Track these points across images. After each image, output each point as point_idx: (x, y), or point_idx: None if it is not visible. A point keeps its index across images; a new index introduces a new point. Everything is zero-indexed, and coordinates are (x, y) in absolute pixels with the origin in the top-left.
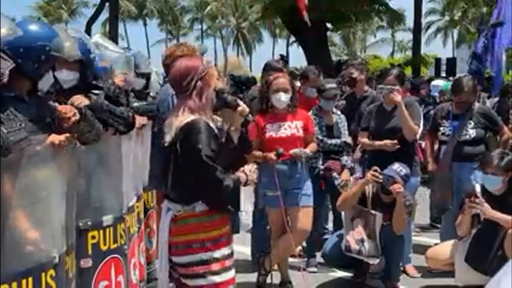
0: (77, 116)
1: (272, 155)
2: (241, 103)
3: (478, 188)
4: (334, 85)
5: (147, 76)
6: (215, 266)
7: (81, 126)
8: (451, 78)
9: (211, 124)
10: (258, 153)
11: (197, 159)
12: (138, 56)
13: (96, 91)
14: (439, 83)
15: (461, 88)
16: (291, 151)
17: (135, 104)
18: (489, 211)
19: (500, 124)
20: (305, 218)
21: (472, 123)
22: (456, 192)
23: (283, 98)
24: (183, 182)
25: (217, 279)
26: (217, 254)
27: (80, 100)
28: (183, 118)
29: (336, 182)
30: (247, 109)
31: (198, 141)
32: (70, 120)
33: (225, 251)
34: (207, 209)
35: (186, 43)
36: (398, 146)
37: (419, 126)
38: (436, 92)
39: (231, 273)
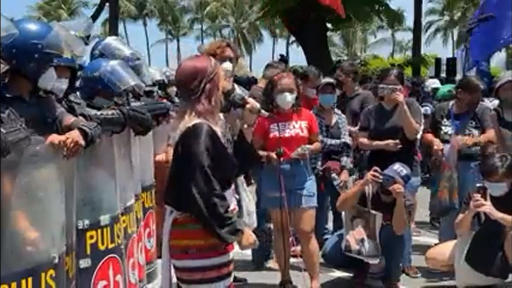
0: (82, 142)
1: (273, 154)
2: (250, 100)
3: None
4: (329, 80)
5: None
6: (210, 274)
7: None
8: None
9: (216, 129)
10: (261, 152)
11: (194, 166)
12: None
13: (78, 101)
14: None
15: (467, 88)
16: (293, 153)
17: (134, 104)
18: (494, 211)
19: (486, 125)
20: (307, 220)
21: (474, 123)
22: (460, 192)
23: (289, 98)
24: (179, 187)
25: (211, 286)
26: (214, 261)
27: (74, 137)
28: (189, 121)
29: (335, 183)
30: (257, 105)
31: (197, 148)
32: (79, 146)
33: (222, 258)
34: None
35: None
36: (400, 146)
37: (420, 125)
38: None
39: (228, 280)
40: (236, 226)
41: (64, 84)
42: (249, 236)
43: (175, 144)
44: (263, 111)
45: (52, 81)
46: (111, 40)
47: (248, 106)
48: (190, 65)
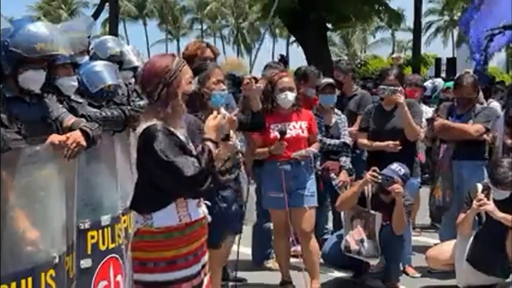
0: (83, 142)
1: (276, 145)
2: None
3: (480, 188)
4: (329, 80)
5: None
6: None
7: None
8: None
9: (177, 132)
10: (261, 149)
11: (159, 163)
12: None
13: (80, 100)
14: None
15: (460, 84)
16: (297, 154)
17: (139, 103)
18: (496, 211)
19: (474, 121)
20: (308, 220)
21: (472, 122)
22: (456, 191)
23: (290, 97)
24: (141, 190)
25: None
26: (171, 276)
27: (75, 138)
28: (144, 124)
29: (334, 183)
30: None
31: (155, 146)
32: (80, 146)
33: (183, 273)
34: (165, 226)
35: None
36: (400, 147)
37: (421, 126)
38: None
39: None
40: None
41: (72, 81)
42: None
43: (136, 150)
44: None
45: (36, 82)
46: (104, 38)
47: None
48: (149, 65)
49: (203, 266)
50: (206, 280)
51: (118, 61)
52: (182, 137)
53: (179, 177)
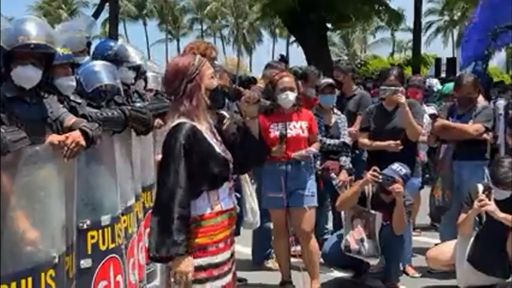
0: (83, 142)
1: (275, 148)
2: (245, 91)
3: (480, 189)
4: (329, 80)
5: (136, 69)
6: (198, 274)
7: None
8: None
9: (202, 128)
10: None
11: (165, 166)
12: (122, 49)
13: (79, 100)
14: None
15: (460, 83)
16: (297, 154)
17: (138, 104)
18: (497, 211)
19: (475, 120)
20: (308, 220)
21: (472, 122)
22: (456, 191)
23: (290, 97)
24: None
25: (204, 286)
26: (203, 262)
27: (75, 138)
28: (172, 122)
29: (334, 183)
30: (254, 94)
31: (171, 149)
32: (80, 146)
33: (214, 259)
34: (198, 215)
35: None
36: (401, 147)
37: (422, 126)
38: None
39: (223, 280)
40: (170, 249)
41: (70, 81)
42: (186, 265)
43: (162, 145)
44: (262, 99)
45: (28, 80)
46: (123, 42)
47: (243, 98)
48: (172, 64)
49: (232, 255)
50: (234, 267)
51: (121, 61)
52: (207, 134)
53: (166, 188)
